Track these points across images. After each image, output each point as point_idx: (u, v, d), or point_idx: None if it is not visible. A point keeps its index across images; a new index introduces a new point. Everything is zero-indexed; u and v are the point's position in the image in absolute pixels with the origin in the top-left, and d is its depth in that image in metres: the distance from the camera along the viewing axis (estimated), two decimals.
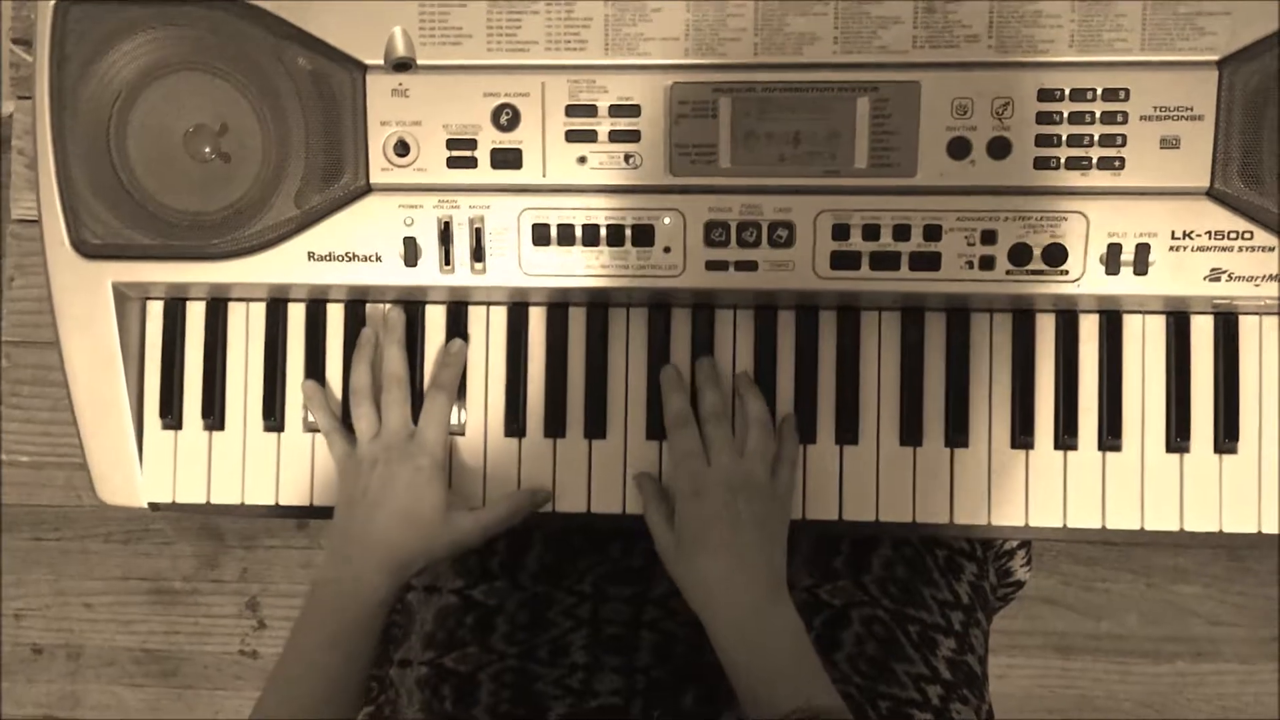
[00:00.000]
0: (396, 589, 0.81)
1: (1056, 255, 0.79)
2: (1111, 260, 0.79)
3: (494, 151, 0.81)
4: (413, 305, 0.86)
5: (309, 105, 0.80)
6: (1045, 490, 0.83)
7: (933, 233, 0.79)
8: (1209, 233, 0.78)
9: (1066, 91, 0.78)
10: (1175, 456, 0.82)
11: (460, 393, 0.85)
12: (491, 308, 0.86)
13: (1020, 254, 0.79)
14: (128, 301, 0.86)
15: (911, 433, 0.83)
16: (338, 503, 0.84)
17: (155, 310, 0.87)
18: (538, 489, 0.85)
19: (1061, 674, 1.52)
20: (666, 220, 0.81)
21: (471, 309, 0.86)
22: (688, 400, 0.83)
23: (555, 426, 0.85)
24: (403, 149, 0.81)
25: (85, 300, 0.85)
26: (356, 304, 0.86)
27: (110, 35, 0.80)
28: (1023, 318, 0.83)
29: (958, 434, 0.83)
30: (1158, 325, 0.83)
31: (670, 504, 0.82)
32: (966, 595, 0.90)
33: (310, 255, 0.82)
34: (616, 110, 0.80)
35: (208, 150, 0.81)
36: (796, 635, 0.76)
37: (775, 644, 0.76)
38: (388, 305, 0.86)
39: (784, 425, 0.83)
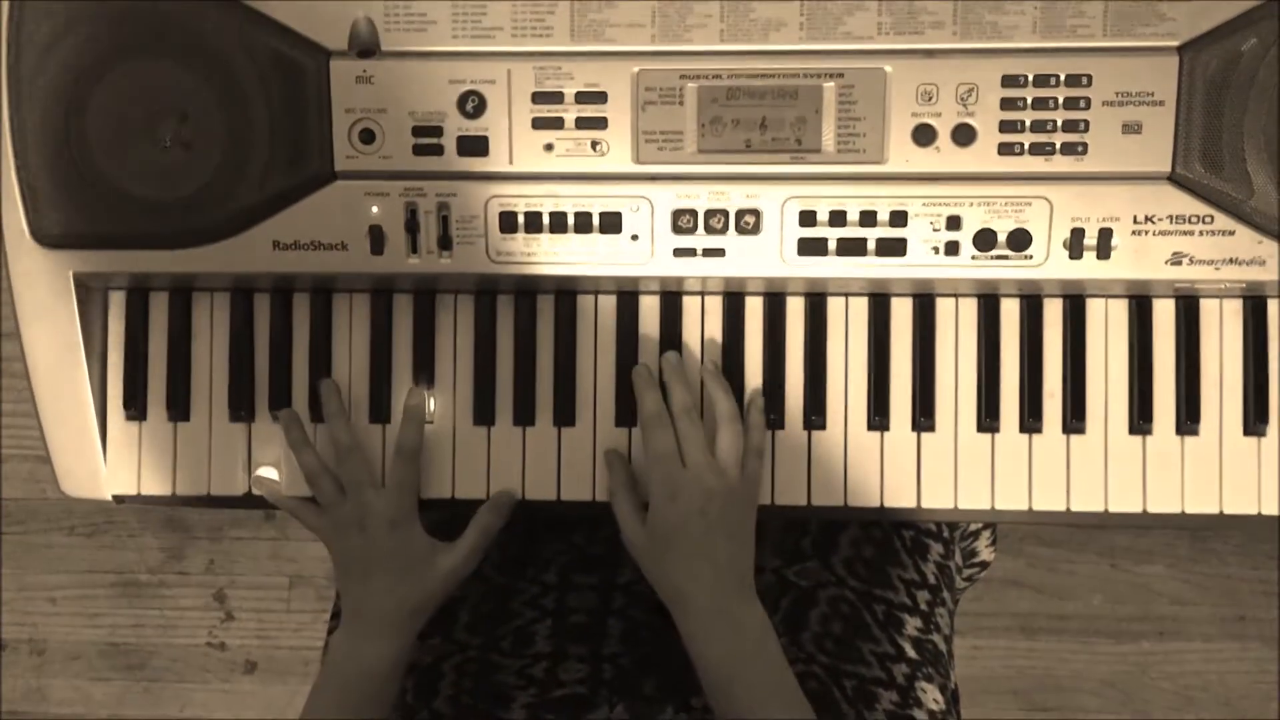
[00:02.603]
0: (408, 646, 0.81)
1: (1021, 240, 0.80)
2: (1075, 245, 0.79)
3: (460, 139, 0.80)
4: (380, 294, 0.85)
5: (272, 92, 0.80)
6: (1010, 474, 0.84)
7: (899, 219, 0.80)
8: (1170, 217, 0.79)
9: (1030, 78, 0.78)
10: (1138, 439, 0.83)
11: (430, 381, 0.85)
12: (459, 295, 0.85)
13: (985, 239, 0.80)
14: (90, 292, 0.85)
15: (879, 418, 0.84)
16: (335, 565, 0.84)
17: (118, 300, 0.86)
18: (501, 500, 0.84)
19: (1027, 654, 1.54)
20: (634, 208, 0.80)
21: (439, 297, 0.85)
22: (661, 399, 0.82)
23: (525, 414, 0.85)
24: (367, 136, 0.80)
25: (46, 290, 0.83)
26: (323, 293, 0.86)
27: (69, 22, 0.79)
28: (988, 302, 0.84)
29: (924, 419, 0.84)
30: (1120, 309, 0.84)
31: (639, 493, 0.82)
32: (933, 575, 0.90)
33: (275, 244, 0.81)
34: (583, 97, 0.80)
35: (169, 138, 0.80)
36: (763, 633, 0.78)
37: (742, 643, 0.77)
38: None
39: (751, 412, 0.83)
